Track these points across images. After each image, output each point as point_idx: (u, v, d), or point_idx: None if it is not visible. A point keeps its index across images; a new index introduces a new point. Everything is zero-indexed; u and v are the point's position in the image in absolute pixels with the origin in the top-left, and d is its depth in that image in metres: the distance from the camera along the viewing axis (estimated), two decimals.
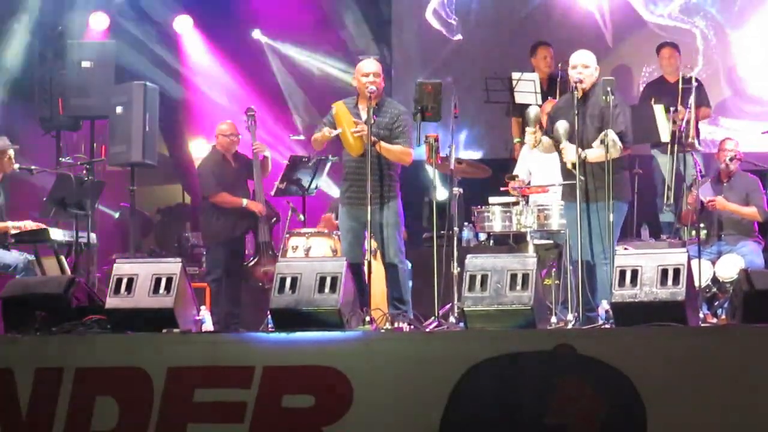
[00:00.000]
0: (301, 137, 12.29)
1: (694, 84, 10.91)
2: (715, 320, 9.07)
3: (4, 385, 7.47)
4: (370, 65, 8.96)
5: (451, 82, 10.56)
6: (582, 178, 8.49)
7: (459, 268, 9.18)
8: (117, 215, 12.17)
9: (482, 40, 13.32)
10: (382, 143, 8.81)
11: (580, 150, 8.49)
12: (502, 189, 10.00)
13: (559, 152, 8.71)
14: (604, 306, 8.21)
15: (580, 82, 8.64)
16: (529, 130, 8.80)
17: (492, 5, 13.36)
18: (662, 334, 7.01)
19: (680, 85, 10.98)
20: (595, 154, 8.54)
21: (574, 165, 8.51)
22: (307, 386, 7.16)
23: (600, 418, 6.81)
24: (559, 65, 11.28)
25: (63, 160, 11.33)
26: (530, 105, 9.50)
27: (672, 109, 10.73)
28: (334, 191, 12.14)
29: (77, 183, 10.15)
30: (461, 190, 9.87)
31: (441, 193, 9.60)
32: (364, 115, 8.83)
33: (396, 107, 9.03)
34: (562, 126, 8.60)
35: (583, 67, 8.71)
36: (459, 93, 9.48)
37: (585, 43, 10.86)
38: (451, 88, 9.70)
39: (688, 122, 10.73)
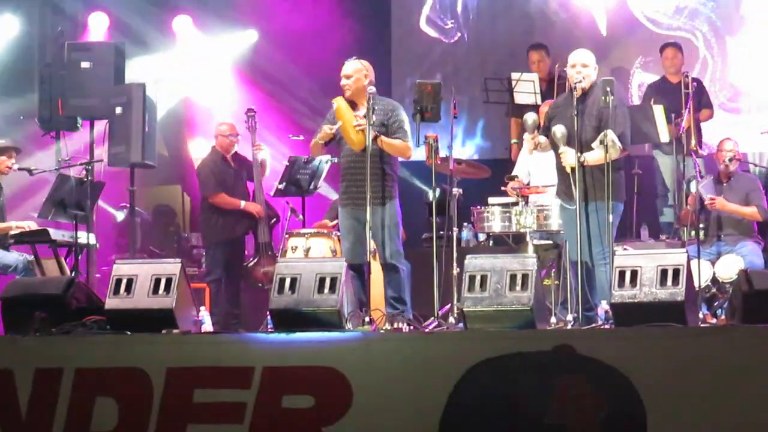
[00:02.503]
0: (301, 137, 12.29)
1: (692, 86, 10.90)
2: (714, 320, 9.07)
3: (3, 385, 7.47)
4: (343, 68, 9.00)
5: (441, 79, 10.55)
6: (580, 177, 8.50)
7: (458, 269, 9.19)
8: (122, 217, 12.14)
9: (481, 40, 13.31)
10: (383, 138, 8.81)
11: (579, 154, 8.50)
12: (502, 189, 9.99)
13: (557, 152, 8.72)
14: (603, 306, 8.21)
15: (579, 81, 8.63)
16: (527, 137, 8.81)
17: (490, 4, 13.35)
18: (662, 335, 7.01)
19: (684, 89, 10.93)
20: (594, 156, 8.53)
21: (573, 169, 8.52)
22: (306, 387, 7.16)
23: (600, 418, 6.81)
24: (557, 65, 11.28)
25: (62, 160, 11.33)
26: (528, 111, 9.46)
27: (673, 115, 10.68)
28: (332, 195, 12.15)
29: (77, 183, 10.15)
30: (460, 190, 9.88)
31: (440, 194, 9.60)
32: (360, 113, 8.86)
33: (389, 103, 9.03)
34: (559, 130, 8.60)
35: (583, 66, 8.71)
36: (458, 93, 9.48)
37: (582, 42, 10.90)
38: (450, 88, 9.69)
39: (688, 128, 10.73)
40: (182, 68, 13.29)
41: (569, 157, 8.55)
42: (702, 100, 11.34)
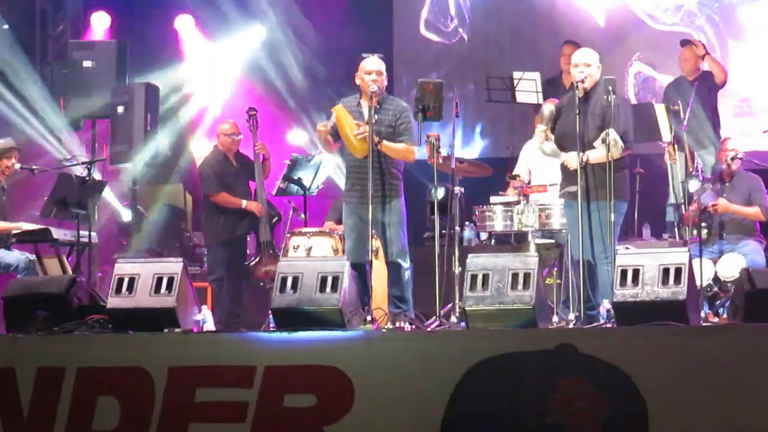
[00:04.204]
0: (303, 136, 12.29)
1: (695, 86, 11.02)
2: (716, 319, 9.06)
3: (5, 384, 7.48)
4: (373, 63, 8.90)
5: (439, 78, 10.55)
6: (583, 176, 8.51)
7: (460, 268, 9.18)
8: (128, 216, 12.12)
9: (480, 40, 13.30)
10: (385, 142, 8.77)
11: (581, 154, 8.51)
12: (514, 186, 9.97)
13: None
14: (605, 305, 8.21)
15: (582, 81, 8.64)
16: (540, 127, 8.81)
17: (492, 4, 13.35)
18: (663, 334, 7.01)
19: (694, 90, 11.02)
20: (596, 155, 8.55)
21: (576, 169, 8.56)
22: (308, 386, 7.17)
23: (601, 417, 6.81)
24: None
25: (64, 159, 11.34)
26: (545, 103, 9.48)
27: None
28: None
29: (78, 182, 10.15)
30: (462, 189, 9.87)
31: (441, 193, 9.59)
32: (366, 114, 8.80)
33: (398, 104, 8.98)
34: (548, 147, 8.71)
35: (585, 65, 8.71)
36: (459, 92, 9.48)
37: (580, 38, 10.89)
38: (452, 87, 9.68)
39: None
40: (184, 67, 13.29)
41: (571, 160, 8.59)
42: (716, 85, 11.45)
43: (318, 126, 8.94)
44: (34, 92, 11.83)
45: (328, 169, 11.20)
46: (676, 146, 10.71)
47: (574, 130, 8.57)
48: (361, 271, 8.59)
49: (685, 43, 11.75)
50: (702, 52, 11.48)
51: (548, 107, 8.87)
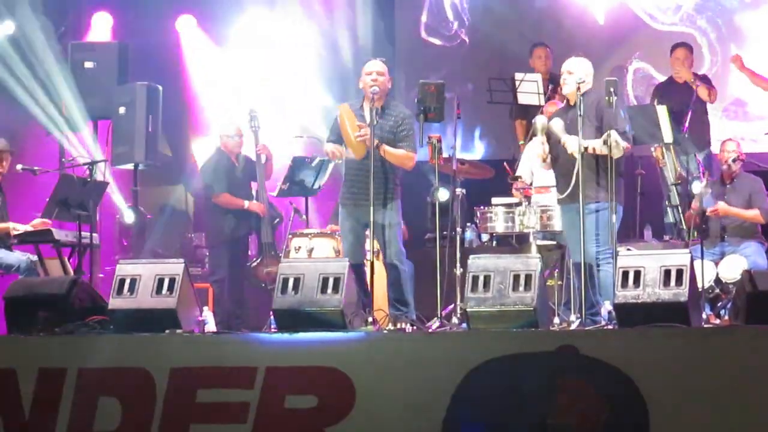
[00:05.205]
0: (304, 137, 12.28)
1: (696, 85, 11.04)
2: (718, 321, 9.07)
3: (7, 385, 7.48)
4: (373, 64, 8.92)
5: (439, 79, 10.57)
6: (576, 180, 8.51)
7: (462, 269, 9.18)
8: (132, 218, 12.10)
9: (479, 41, 13.31)
10: (386, 147, 8.77)
11: (582, 140, 8.51)
12: (515, 188, 9.99)
13: (555, 165, 8.76)
14: (606, 307, 8.21)
15: (577, 88, 8.66)
16: (537, 140, 8.82)
17: (491, 5, 13.36)
18: (665, 335, 7.01)
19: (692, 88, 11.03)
20: (597, 144, 8.54)
21: (575, 172, 8.54)
22: (309, 387, 7.17)
23: (603, 419, 6.81)
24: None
25: (66, 160, 11.35)
26: (532, 112, 9.49)
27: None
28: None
29: (80, 183, 10.16)
30: (464, 190, 9.86)
31: (443, 194, 9.61)
32: (368, 117, 8.80)
33: (401, 110, 8.99)
34: (557, 124, 8.66)
35: (568, 73, 8.77)
36: (461, 94, 9.49)
37: (583, 44, 10.89)
38: (452, 88, 9.69)
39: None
40: (185, 67, 13.29)
41: (571, 143, 8.57)
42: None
43: (333, 148, 8.90)
44: (62, 90, 11.85)
45: (330, 170, 11.19)
46: (663, 149, 10.71)
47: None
48: (360, 272, 8.61)
49: (678, 45, 11.75)
50: (691, 79, 11.44)
51: (540, 119, 8.89)
